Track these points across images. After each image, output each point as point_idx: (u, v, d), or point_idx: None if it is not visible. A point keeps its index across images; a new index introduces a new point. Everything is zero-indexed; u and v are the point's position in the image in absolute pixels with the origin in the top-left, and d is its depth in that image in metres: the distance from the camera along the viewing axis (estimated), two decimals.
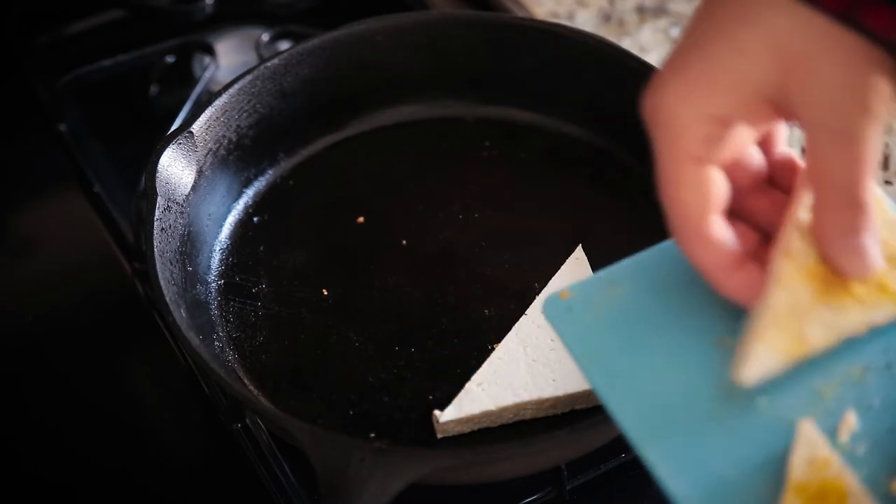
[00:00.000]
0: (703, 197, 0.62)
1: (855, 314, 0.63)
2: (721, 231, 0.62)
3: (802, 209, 0.64)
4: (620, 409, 0.62)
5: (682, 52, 0.62)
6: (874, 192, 0.61)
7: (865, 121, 0.58)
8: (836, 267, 0.62)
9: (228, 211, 0.94)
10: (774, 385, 0.61)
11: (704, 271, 0.63)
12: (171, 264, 0.84)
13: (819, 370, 0.62)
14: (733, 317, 0.63)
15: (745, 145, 0.64)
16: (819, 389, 0.62)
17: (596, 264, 0.89)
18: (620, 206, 0.94)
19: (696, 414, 0.61)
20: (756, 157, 0.68)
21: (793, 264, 0.62)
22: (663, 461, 0.60)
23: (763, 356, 0.61)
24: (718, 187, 0.62)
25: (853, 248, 0.61)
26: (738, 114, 0.61)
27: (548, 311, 0.65)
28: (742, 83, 0.60)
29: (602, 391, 0.62)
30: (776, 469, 0.59)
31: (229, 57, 1.17)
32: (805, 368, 0.62)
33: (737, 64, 0.59)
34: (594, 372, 0.63)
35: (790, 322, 0.62)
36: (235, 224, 0.94)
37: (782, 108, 0.61)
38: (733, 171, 0.65)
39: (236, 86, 0.93)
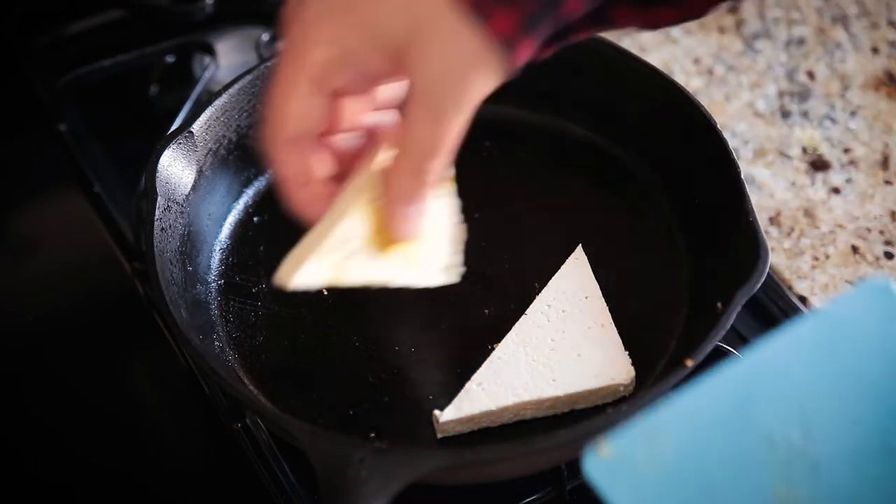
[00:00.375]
0: (303, 114, 0.68)
1: (389, 267, 0.73)
2: (302, 150, 0.69)
3: (386, 157, 0.70)
4: None
5: None
6: (442, 185, 0.71)
7: (453, 110, 0.65)
8: (386, 221, 0.70)
9: (228, 211, 0.94)
10: None
11: (280, 179, 0.71)
12: (171, 264, 0.84)
13: None
14: (788, 464, 0.60)
15: (358, 87, 0.70)
16: None
17: (596, 264, 0.89)
18: (620, 206, 0.94)
19: None
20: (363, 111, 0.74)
21: (361, 200, 0.70)
22: None
23: (309, 273, 0.71)
24: (318, 112, 0.68)
25: (402, 213, 0.70)
26: (361, 52, 0.66)
27: (590, 471, 0.61)
28: (373, 29, 0.65)
29: None
30: None
31: (229, 57, 1.17)
32: None
33: (377, 11, 0.64)
34: None
35: (339, 250, 0.70)
36: (235, 224, 0.94)
37: (400, 67, 0.66)
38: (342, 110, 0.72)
39: (236, 86, 0.93)
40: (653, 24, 0.71)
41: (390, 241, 0.72)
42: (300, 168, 0.71)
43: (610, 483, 0.60)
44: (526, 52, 0.65)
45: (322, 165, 0.71)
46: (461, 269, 0.80)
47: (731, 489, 0.60)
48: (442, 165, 0.68)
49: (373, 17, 0.65)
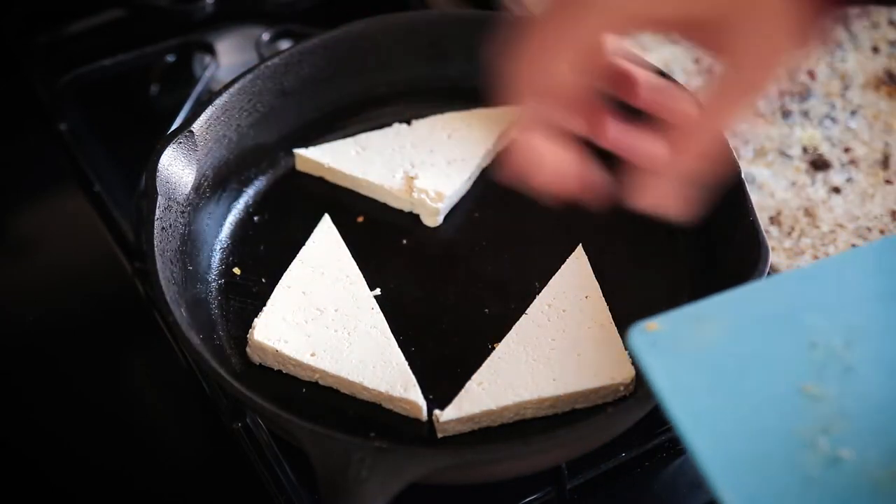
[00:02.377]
0: (575, 84, 0.65)
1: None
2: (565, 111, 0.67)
3: None
4: (702, 451, 0.60)
5: None
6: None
7: (767, 85, 0.63)
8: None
9: (228, 210, 0.94)
10: (859, 437, 0.61)
11: (523, 135, 0.67)
12: (172, 264, 0.84)
13: None
14: (822, 365, 0.63)
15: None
16: None
17: (596, 264, 0.89)
18: (620, 206, 0.94)
19: (777, 463, 0.60)
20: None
21: None
22: None
23: None
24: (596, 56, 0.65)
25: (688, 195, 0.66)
26: (672, 23, 0.63)
27: (633, 341, 0.64)
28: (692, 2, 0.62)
29: (684, 431, 0.61)
30: None
31: (230, 56, 1.17)
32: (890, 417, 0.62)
33: None
34: (678, 411, 0.62)
35: None
36: (235, 224, 0.94)
37: (707, 35, 0.63)
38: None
39: (237, 85, 0.93)
40: None
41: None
42: (551, 129, 0.67)
43: (651, 355, 0.63)
44: (831, 21, 0.64)
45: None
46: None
47: (762, 379, 0.63)
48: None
49: None
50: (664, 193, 0.66)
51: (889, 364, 0.63)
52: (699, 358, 0.63)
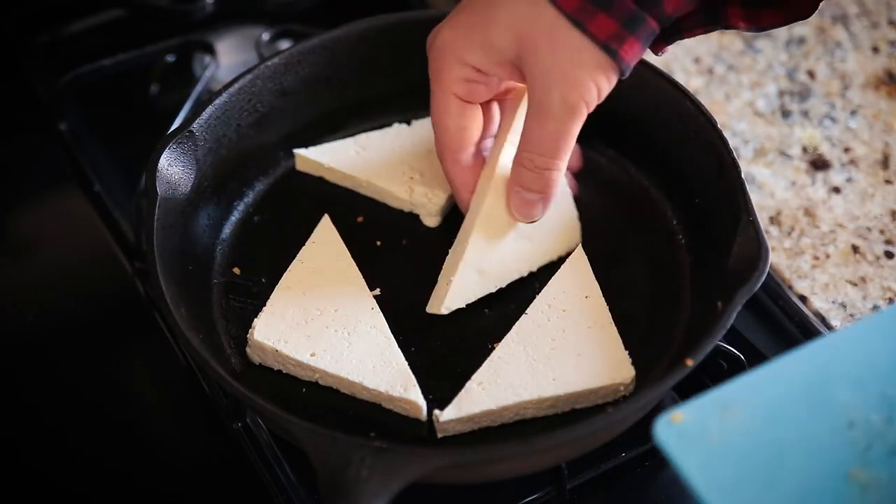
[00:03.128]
0: (461, 127, 0.81)
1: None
2: (470, 159, 0.83)
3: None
4: None
5: (464, 8, 0.78)
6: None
7: (561, 109, 0.75)
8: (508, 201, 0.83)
9: (228, 211, 0.94)
10: None
11: (453, 186, 0.85)
12: (172, 264, 0.84)
13: None
14: (867, 447, 0.60)
15: (497, 94, 0.83)
16: None
17: (596, 264, 0.89)
18: (621, 205, 0.94)
19: None
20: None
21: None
22: None
23: (458, 293, 0.85)
24: (473, 122, 0.81)
25: (521, 198, 0.82)
26: (488, 66, 0.78)
27: (660, 434, 0.61)
28: (491, 47, 0.76)
29: None
30: None
31: (229, 56, 1.17)
32: None
33: (489, 32, 0.76)
34: None
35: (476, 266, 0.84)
36: (236, 224, 0.94)
37: (520, 75, 0.77)
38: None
39: (236, 85, 0.93)
40: (758, 25, 0.76)
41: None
42: (470, 177, 0.84)
43: (680, 449, 0.60)
44: (632, 52, 0.71)
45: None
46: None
47: (804, 467, 0.59)
48: (558, 162, 0.79)
49: (489, 35, 0.76)
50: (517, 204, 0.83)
51: None
52: (731, 447, 0.60)
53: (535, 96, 0.75)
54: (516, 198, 0.82)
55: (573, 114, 0.75)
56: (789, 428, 0.61)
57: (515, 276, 0.88)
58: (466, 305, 0.88)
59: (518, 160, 0.80)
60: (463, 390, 0.81)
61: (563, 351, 0.83)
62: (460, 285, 0.86)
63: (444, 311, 0.86)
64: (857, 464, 0.59)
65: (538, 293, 0.87)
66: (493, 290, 0.88)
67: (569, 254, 0.89)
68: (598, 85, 0.74)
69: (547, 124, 0.76)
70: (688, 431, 0.61)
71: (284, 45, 1.14)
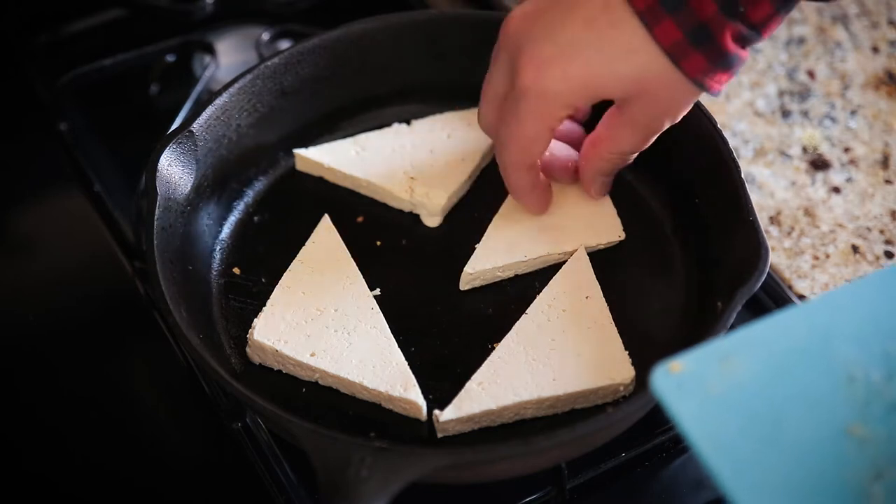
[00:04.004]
0: (540, 151, 0.83)
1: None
2: (535, 169, 0.86)
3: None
4: (747, 501, 0.57)
5: (571, 45, 0.76)
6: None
7: (657, 130, 0.81)
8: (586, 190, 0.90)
9: (228, 211, 0.94)
10: None
11: (517, 191, 0.88)
12: (172, 264, 0.84)
13: None
14: (866, 403, 0.59)
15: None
16: None
17: (596, 264, 0.89)
18: (621, 206, 0.94)
19: None
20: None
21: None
22: None
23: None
24: (547, 146, 0.83)
25: (604, 184, 0.89)
26: (588, 104, 0.82)
27: (658, 384, 0.61)
28: (603, 95, 0.78)
29: (725, 481, 0.57)
30: None
31: (229, 56, 1.17)
32: None
33: (602, 83, 0.77)
34: (717, 460, 0.58)
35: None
36: (235, 224, 0.94)
37: (616, 103, 0.80)
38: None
39: (236, 85, 0.93)
40: None
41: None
42: (535, 181, 0.87)
43: (677, 399, 0.59)
44: (723, 81, 0.76)
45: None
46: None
47: (802, 421, 0.59)
48: (634, 155, 0.85)
49: (602, 85, 0.77)
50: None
51: None
52: (730, 399, 0.59)
53: (631, 113, 0.79)
54: (598, 184, 0.88)
55: (660, 129, 0.81)
56: (789, 381, 0.60)
57: (543, 252, 0.89)
58: (466, 307, 0.88)
59: (599, 155, 0.85)
60: (463, 390, 0.81)
61: (563, 351, 0.83)
62: (486, 249, 0.89)
63: (470, 270, 0.88)
64: (856, 419, 0.59)
65: (538, 293, 0.87)
66: (523, 258, 0.89)
67: (609, 244, 0.91)
68: (688, 108, 0.80)
69: (643, 142, 0.82)
70: (686, 381, 0.60)
71: (284, 45, 1.14)
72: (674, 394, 0.60)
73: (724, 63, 0.74)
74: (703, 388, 0.60)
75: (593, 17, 0.74)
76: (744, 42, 0.75)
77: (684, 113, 0.80)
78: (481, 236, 0.91)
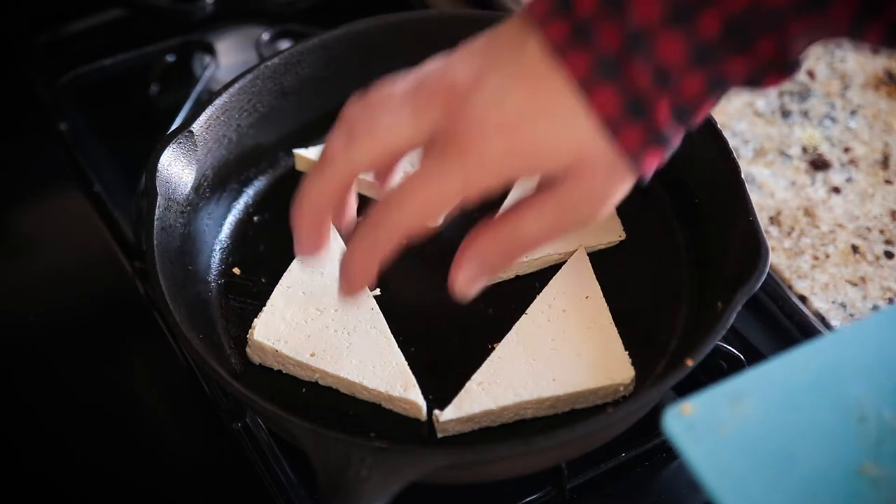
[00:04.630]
0: (437, 217, 0.72)
1: None
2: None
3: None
4: None
5: (513, 111, 0.67)
6: None
7: (582, 224, 0.71)
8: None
9: (228, 211, 0.94)
10: None
11: (321, 238, 0.76)
12: (172, 263, 0.84)
13: None
14: (878, 442, 0.59)
15: None
16: None
17: (596, 264, 0.89)
18: (621, 205, 0.93)
19: None
20: None
21: None
22: None
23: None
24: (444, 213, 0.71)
25: (474, 272, 0.73)
26: (521, 176, 0.70)
27: (669, 426, 0.60)
28: (540, 163, 0.68)
29: None
30: None
31: (229, 56, 1.17)
32: None
33: (542, 159, 0.68)
34: (730, 501, 0.57)
35: None
36: (235, 224, 0.94)
37: (543, 176, 0.71)
38: None
39: (236, 85, 0.93)
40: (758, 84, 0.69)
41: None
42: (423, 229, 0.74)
43: (689, 441, 0.59)
44: (653, 165, 0.69)
45: None
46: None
47: (814, 461, 0.59)
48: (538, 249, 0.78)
49: (542, 162, 0.68)
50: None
51: None
52: (742, 440, 0.59)
53: (558, 192, 0.70)
54: (470, 270, 0.73)
55: (574, 222, 0.72)
56: (800, 420, 0.60)
57: (543, 252, 0.89)
58: (466, 307, 0.88)
59: (494, 234, 0.72)
60: (463, 390, 0.81)
61: (562, 351, 0.83)
62: None
63: None
64: (869, 459, 0.59)
65: (538, 293, 0.87)
66: (523, 258, 0.88)
67: (609, 245, 0.90)
68: (612, 202, 0.71)
69: (551, 218, 0.71)
70: (697, 423, 0.60)
71: (284, 45, 1.14)
72: (685, 436, 0.60)
73: (660, 139, 0.67)
74: (715, 429, 0.60)
75: (536, 84, 0.67)
76: (683, 120, 0.67)
77: (612, 205, 0.71)
78: None
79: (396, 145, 0.71)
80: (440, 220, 0.84)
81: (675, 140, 0.68)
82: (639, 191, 0.94)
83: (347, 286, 0.74)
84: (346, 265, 0.74)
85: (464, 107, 0.68)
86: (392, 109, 0.71)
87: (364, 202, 0.96)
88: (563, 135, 0.67)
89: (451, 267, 0.72)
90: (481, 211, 0.93)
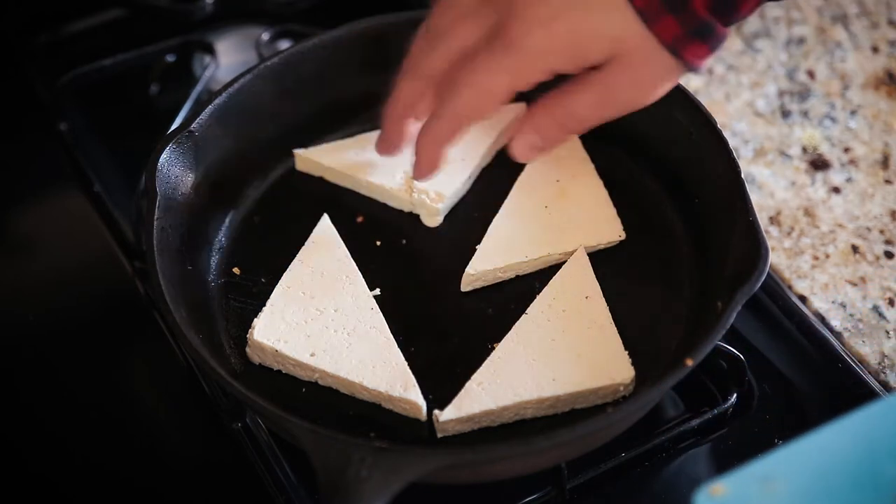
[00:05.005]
0: (493, 107, 0.78)
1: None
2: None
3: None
4: None
5: (559, 10, 0.74)
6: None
7: (628, 109, 0.77)
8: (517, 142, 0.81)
9: (228, 211, 0.94)
10: None
11: (402, 140, 0.85)
12: (172, 264, 0.84)
13: None
14: None
15: None
16: None
17: (596, 264, 0.89)
18: (621, 206, 0.94)
19: None
20: None
21: None
22: None
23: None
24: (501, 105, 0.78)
25: (530, 144, 0.80)
26: (565, 69, 0.76)
27: None
28: (584, 60, 0.75)
29: None
30: None
31: (229, 56, 1.17)
32: None
33: (586, 45, 0.74)
34: None
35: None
36: (235, 224, 0.94)
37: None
38: None
39: (236, 85, 0.93)
40: None
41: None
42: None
43: None
44: (702, 56, 0.73)
45: None
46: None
47: None
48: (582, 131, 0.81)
49: (586, 49, 0.74)
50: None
51: None
52: None
53: (604, 76, 0.75)
54: (527, 142, 0.80)
55: (625, 105, 0.78)
56: (833, 502, 0.59)
57: (543, 252, 0.89)
58: (466, 307, 0.88)
59: (548, 110, 0.78)
60: (463, 390, 0.81)
61: (563, 351, 0.83)
62: (487, 250, 0.89)
63: (472, 271, 0.88)
64: None
65: (538, 293, 0.87)
66: (523, 258, 0.89)
67: (609, 245, 0.90)
68: (663, 89, 0.77)
69: (599, 99, 0.77)
70: None
71: (284, 45, 1.14)
72: None
73: (699, 32, 0.72)
74: None
75: None
76: (721, 13, 0.72)
77: (658, 93, 0.76)
78: (481, 236, 0.91)
79: (465, 45, 0.78)
80: (498, 106, 0.82)
81: (721, 34, 0.72)
82: (639, 191, 0.95)
83: (419, 173, 0.83)
84: (416, 154, 0.82)
85: (510, 6, 0.75)
86: (463, 14, 0.79)
87: (364, 202, 0.96)
88: (603, 24, 0.73)
89: (512, 135, 0.80)
90: (482, 211, 0.94)
